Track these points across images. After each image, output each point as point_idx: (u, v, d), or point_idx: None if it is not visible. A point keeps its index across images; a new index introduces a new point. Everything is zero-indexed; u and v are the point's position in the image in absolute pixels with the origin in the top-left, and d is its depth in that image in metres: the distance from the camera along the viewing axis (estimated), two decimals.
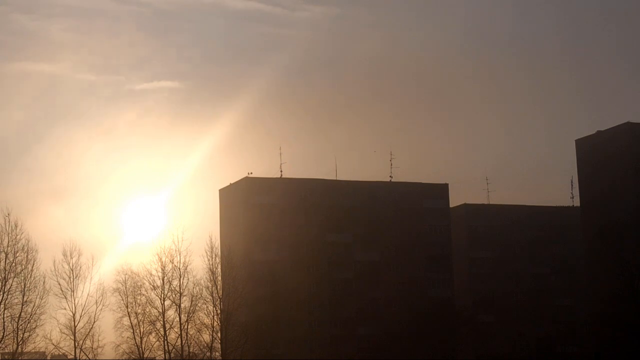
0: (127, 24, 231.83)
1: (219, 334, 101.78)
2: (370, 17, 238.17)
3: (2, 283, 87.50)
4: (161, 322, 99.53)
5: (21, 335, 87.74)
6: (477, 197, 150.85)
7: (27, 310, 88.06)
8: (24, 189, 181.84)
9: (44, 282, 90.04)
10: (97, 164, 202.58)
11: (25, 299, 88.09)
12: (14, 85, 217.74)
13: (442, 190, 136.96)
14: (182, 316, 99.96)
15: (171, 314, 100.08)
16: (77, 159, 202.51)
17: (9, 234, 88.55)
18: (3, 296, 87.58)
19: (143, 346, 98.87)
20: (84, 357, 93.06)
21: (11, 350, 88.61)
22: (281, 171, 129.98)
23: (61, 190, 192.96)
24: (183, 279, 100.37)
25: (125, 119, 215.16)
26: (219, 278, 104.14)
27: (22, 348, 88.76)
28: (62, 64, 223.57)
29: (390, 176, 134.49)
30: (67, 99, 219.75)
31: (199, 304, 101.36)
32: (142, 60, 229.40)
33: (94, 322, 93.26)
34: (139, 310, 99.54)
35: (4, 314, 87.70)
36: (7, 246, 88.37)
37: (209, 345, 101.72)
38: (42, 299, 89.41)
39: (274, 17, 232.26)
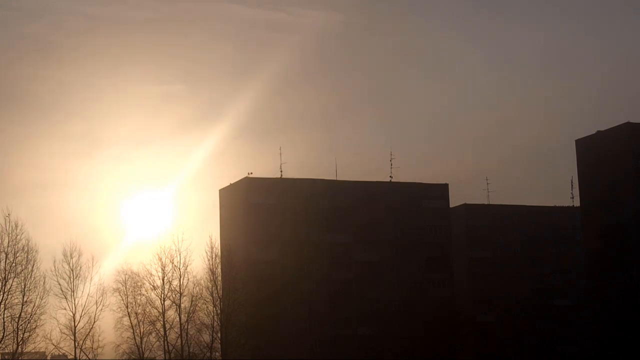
0: (132, 29, 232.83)
1: (219, 334, 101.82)
2: (370, 21, 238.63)
3: (2, 283, 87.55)
4: (161, 322, 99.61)
5: (21, 336, 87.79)
6: (477, 197, 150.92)
7: (27, 311, 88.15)
8: (26, 189, 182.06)
9: (44, 282, 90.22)
10: (98, 165, 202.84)
11: (25, 299, 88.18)
12: (21, 88, 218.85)
13: (442, 190, 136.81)
14: (182, 316, 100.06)
15: (171, 314, 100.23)
16: (79, 161, 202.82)
17: (9, 234, 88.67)
18: (3, 296, 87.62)
19: (143, 346, 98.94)
20: (84, 357, 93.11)
21: (11, 350, 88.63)
22: (281, 171, 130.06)
23: (62, 190, 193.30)
24: (183, 279, 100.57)
25: (126, 120, 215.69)
26: (219, 278, 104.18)
27: (22, 348, 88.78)
28: (68, 68, 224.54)
29: (390, 176, 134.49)
30: (71, 101, 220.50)
31: (199, 304, 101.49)
32: (146, 63, 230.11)
33: (94, 322, 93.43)
34: (139, 311, 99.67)
35: (4, 314, 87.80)
36: (7, 246, 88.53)
37: (209, 345, 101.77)
38: (42, 299, 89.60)
39: (276, 22, 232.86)
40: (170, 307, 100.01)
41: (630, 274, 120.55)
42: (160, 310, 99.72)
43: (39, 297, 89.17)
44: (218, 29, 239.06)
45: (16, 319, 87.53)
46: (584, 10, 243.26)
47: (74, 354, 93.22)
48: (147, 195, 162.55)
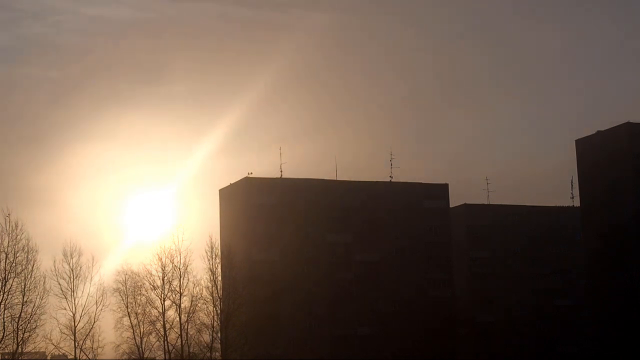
0: (133, 30, 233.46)
1: (219, 334, 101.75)
2: (369, 22, 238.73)
3: (2, 283, 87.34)
4: (161, 322, 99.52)
5: (21, 336, 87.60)
6: (477, 197, 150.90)
7: (27, 311, 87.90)
8: (26, 189, 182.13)
9: (44, 282, 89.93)
10: (98, 166, 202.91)
11: (25, 299, 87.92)
12: (21, 89, 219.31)
13: (442, 190, 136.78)
14: (182, 316, 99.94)
15: (171, 314, 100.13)
16: (79, 161, 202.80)
17: (9, 234, 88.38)
18: (3, 296, 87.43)
19: (143, 346, 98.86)
20: (84, 357, 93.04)
21: (11, 351, 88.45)
22: (281, 171, 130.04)
23: (62, 191, 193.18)
24: (183, 279, 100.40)
25: (126, 121, 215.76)
26: (219, 278, 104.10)
27: (22, 348, 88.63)
28: (70, 69, 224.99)
29: (390, 176, 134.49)
30: (71, 102, 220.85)
31: (199, 304, 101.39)
32: (147, 64, 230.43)
33: (94, 322, 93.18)
34: (139, 311, 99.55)
35: (4, 314, 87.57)
36: (8, 246, 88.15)
37: (209, 345, 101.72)
38: (42, 299, 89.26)
39: (276, 23, 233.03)
40: (170, 307, 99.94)
41: (630, 274, 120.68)
42: (160, 310, 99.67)
43: (39, 297, 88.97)
44: (218, 30, 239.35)
45: (16, 319, 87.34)
46: (584, 10, 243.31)
47: (74, 354, 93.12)
48: (147, 195, 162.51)
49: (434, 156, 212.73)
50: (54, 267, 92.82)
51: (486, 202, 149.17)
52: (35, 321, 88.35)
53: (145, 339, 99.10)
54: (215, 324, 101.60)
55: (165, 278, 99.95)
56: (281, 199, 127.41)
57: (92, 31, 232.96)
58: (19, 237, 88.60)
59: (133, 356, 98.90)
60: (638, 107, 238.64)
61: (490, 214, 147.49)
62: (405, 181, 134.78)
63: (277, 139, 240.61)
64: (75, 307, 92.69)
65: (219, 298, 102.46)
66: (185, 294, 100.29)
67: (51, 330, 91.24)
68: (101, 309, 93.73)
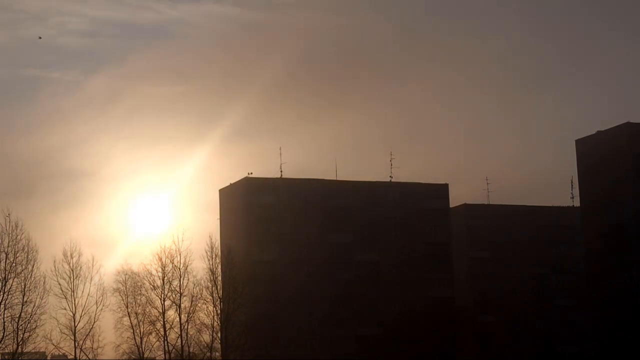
0: (133, 31, 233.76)
1: (219, 334, 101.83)
2: (368, 22, 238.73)
3: (2, 283, 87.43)
4: (161, 322, 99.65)
5: (21, 336, 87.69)
6: (477, 197, 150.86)
7: (27, 311, 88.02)
8: (27, 189, 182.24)
9: (44, 282, 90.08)
10: (99, 166, 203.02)
11: (25, 299, 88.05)
12: (24, 90, 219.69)
13: (442, 190, 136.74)
14: (182, 316, 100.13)
15: (171, 314, 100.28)
16: (79, 161, 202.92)
17: (9, 234, 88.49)
18: (3, 296, 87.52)
19: (143, 346, 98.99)
20: (84, 357, 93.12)
21: (11, 351, 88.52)
22: (281, 171, 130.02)
23: (62, 191, 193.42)
24: (183, 279, 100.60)
25: (127, 121, 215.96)
26: (219, 278, 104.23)
27: (22, 348, 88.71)
28: (70, 70, 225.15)
29: (390, 176, 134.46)
30: (71, 103, 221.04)
31: (199, 304, 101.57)
32: (147, 65, 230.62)
33: (94, 322, 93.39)
34: (139, 311, 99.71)
35: (4, 314, 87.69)
36: (8, 246, 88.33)
37: (209, 345, 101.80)
38: (42, 299, 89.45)
39: (275, 23, 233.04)
40: (170, 307, 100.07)
41: (630, 274, 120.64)
42: (160, 310, 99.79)
43: (39, 297, 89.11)
44: (218, 30, 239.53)
45: (16, 319, 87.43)
46: (584, 10, 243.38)
47: (74, 354, 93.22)
48: (148, 195, 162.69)
49: (434, 156, 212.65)
50: (54, 267, 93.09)
51: (486, 202, 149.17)
52: (35, 321, 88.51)
53: (145, 339, 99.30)
54: (215, 324, 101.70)
55: (165, 278, 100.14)
56: (281, 199, 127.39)
57: (91, 33, 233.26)
58: (19, 237, 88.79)
59: (133, 356, 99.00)
60: (638, 107, 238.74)
61: (490, 214, 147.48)
62: (405, 181, 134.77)
63: (277, 139, 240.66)
64: (75, 307, 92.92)
65: (219, 298, 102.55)
66: (185, 294, 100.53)
67: (51, 330, 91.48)
68: (101, 309, 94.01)
